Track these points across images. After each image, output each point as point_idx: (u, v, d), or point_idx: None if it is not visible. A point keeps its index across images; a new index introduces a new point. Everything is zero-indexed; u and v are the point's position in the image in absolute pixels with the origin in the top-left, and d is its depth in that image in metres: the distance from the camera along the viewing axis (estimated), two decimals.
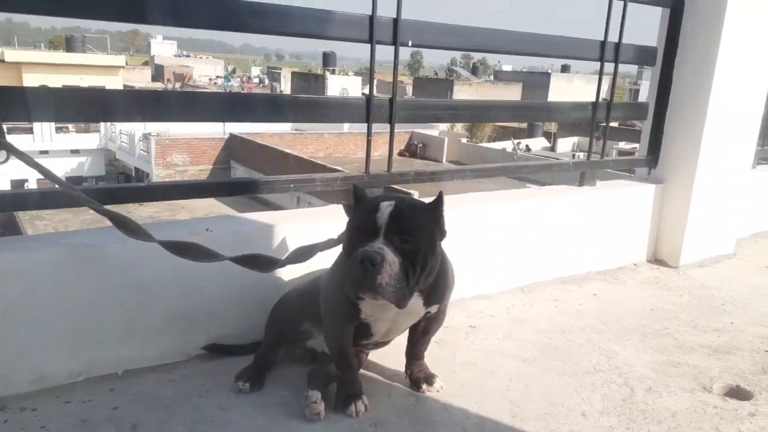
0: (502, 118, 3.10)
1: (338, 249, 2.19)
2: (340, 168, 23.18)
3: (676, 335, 2.80)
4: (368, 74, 2.70)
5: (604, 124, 3.49)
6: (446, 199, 3.02)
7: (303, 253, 2.25)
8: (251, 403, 2.07)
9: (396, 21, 2.57)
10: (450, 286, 2.12)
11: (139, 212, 25.16)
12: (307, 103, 2.51)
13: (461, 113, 2.94)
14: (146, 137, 28.40)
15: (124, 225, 1.99)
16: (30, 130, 30.44)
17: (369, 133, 2.62)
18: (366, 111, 2.59)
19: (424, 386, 2.20)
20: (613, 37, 3.33)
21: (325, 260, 2.26)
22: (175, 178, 29.80)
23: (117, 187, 2.28)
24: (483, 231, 3.04)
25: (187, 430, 1.91)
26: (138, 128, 29.01)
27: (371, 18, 2.51)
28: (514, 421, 2.05)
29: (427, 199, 2.02)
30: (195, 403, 2.06)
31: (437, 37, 2.78)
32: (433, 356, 2.35)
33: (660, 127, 3.71)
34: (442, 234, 1.95)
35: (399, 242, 1.79)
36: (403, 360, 2.28)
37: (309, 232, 2.44)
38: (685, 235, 3.69)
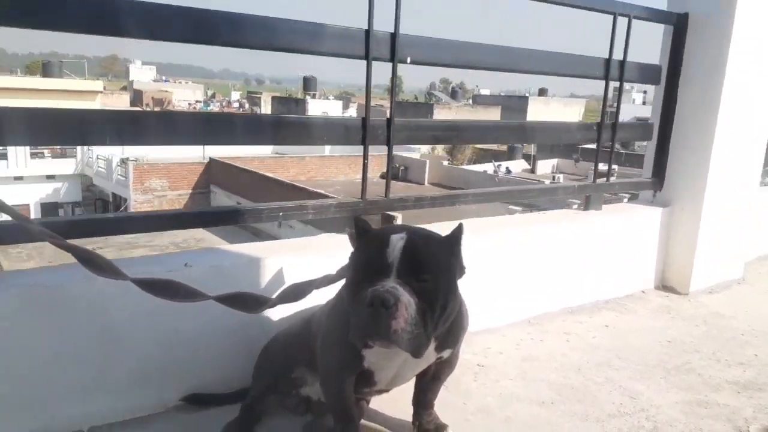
0: (506, 139, 2.89)
1: (335, 286, 1.95)
2: (323, 191, 22.98)
3: (699, 371, 2.58)
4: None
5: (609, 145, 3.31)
6: (441, 226, 2.79)
7: (297, 291, 2.00)
8: None
9: (394, 36, 2.36)
10: (464, 328, 1.87)
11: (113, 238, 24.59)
12: (296, 124, 2.27)
13: (463, 134, 2.73)
14: (124, 162, 27.95)
15: (90, 261, 1.72)
16: (4, 156, 29.79)
17: (365, 156, 2.40)
18: (362, 132, 2.36)
19: None
20: (616, 55, 3.17)
21: (318, 297, 2.01)
22: (154, 203, 29.36)
23: (83, 219, 2.01)
24: (486, 260, 2.81)
25: None
26: (116, 153, 28.55)
27: (367, 32, 2.29)
28: None
29: (444, 231, 1.76)
30: None
31: (437, 52, 2.56)
32: (441, 402, 2.09)
33: (665, 148, 3.54)
34: (462, 270, 1.70)
35: (415, 281, 1.53)
36: (410, 406, 2.02)
37: (301, 266, 2.20)
38: (694, 260, 3.51)
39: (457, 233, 1.67)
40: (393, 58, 2.37)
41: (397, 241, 1.56)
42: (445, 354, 1.82)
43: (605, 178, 3.36)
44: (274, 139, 2.23)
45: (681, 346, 2.83)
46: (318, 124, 2.33)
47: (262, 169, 26.34)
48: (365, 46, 2.30)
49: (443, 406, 2.09)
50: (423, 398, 1.98)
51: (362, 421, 2.01)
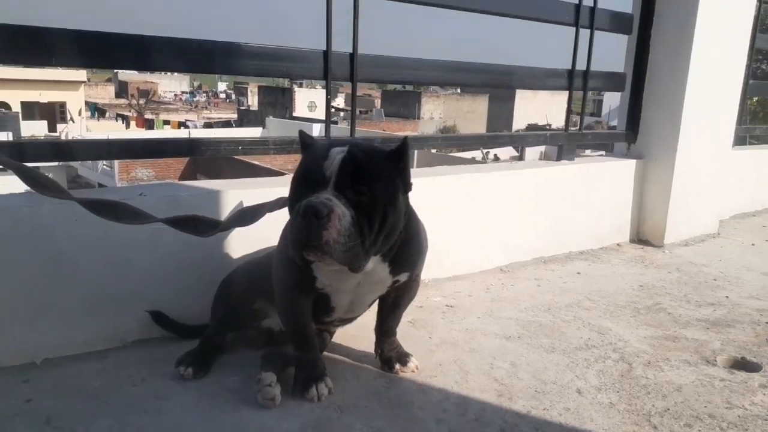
0: (473, 82, 2.86)
1: None
2: None
3: (669, 310, 2.57)
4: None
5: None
6: (416, 171, 2.76)
7: (249, 214, 1.94)
8: (194, 390, 1.76)
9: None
10: (422, 252, 1.84)
11: None
12: (252, 54, 2.22)
13: (428, 74, 2.69)
14: None
15: (34, 180, 1.67)
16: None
17: (328, 92, 2.35)
18: (324, 66, 2.32)
19: (397, 366, 1.91)
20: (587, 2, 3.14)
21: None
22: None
23: (29, 143, 1.96)
24: (457, 205, 2.78)
25: (115, 421, 1.59)
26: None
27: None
28: (501, 401, 1.78)
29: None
30: (127, 392, 1.74)
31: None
32: (406, 336, 2.07)
33: (638, 99, 3.52)
34: (407, 186, 1.65)
35: (352, 194, 1.50)
36: (373, 340, 1.99)
37: (262, 199, 2.15)
38: (668, 212, 3.50)
39: (402, 147, 1.62)
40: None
41: (337, 153, 1.53)
42: (402, 278, 1.78)
43: (577, 128, 3.33)
44: (226, 68, 2.19)
45: (652, 290, 2.81)
46: (276, 55, 2.28)
47: (249, 157, 26.12)
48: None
49: (408, 339, 2.07)
50: (384, 326, 1.95)
51: (325, 353, 1.98)
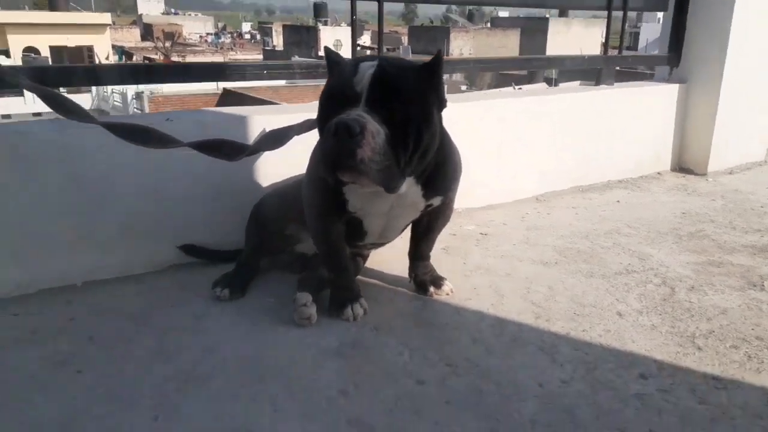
0: (508, 2, 2.72)
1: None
2: None
3: (713, 237, 2.49)
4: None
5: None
6: (447, 97, 2.66)
7: (276, 137, 1.89)
8: (231, 311, 1.78)
9: None
10: (457, 175, 1.78)
11: None
12: None
13: None
14: (139, 96, 27.77)
15: (60, 104, 1.65)
16: (21, 92, 29.75)
17: (353, 12, 2.26)
18: None
19: (432, 289, 1.90)
20: None
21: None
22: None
23: (56, 67, 1.95)
24: (489, 132, 2.70)
25: (154, 340, 1.62)
26: (130, 87, 28.33)
27: None
28: (538, 322, 1.76)
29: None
30: (165, 313, 1.76)
31: None
32: (440, 262, 2.05)
33: (682, 20, 3.32)
34: (441, 103, 1.56)
35: (385, 111, 1.41)
36: (406, 265, 1.97)
37: (289, 123, 2.10)
38: (712, 139, 3.35)
39: (436, 61, 1.51)
40: None
41: (367, 69, 1.43)
42: (435, 201, 1.74)
43: (617, 51, 3.18)
44: None
45: (696, 217, 2.73)
46: None
47: (276, 99, 25.99)
48: None
49: (442, 264, 2.05)
50: (418, 251, 1.92)
51: (358, 277, 1.97)
